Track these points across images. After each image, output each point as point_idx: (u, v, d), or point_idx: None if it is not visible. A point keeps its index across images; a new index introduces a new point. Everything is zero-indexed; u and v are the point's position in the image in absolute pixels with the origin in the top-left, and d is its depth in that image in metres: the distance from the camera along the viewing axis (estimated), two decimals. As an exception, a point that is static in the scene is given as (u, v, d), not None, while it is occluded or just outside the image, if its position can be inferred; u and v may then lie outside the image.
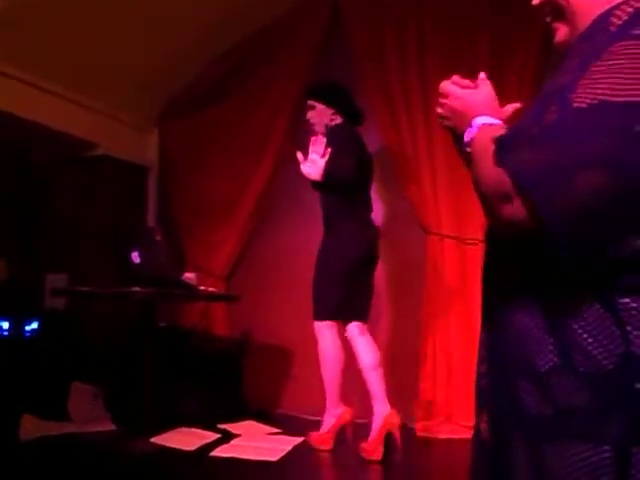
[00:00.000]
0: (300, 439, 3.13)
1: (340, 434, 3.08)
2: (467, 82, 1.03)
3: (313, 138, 2.99)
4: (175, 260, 3.38)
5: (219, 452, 2.87)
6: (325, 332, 3.05)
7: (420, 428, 3.45)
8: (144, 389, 3.13)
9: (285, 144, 4.12)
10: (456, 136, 1.01)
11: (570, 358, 0.82)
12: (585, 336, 0.81)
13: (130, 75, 4.01)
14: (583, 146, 0.75)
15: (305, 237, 3.37)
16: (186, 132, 4.43)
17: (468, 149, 0.94)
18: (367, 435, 2.96)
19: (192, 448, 2.92)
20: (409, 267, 3.80)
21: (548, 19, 1.00)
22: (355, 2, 3.95)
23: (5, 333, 3.63)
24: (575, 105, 0.77)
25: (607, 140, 0.75)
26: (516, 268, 0.91)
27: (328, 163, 2.93)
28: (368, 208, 3.18)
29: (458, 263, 3.57)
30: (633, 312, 0.79)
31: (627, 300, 0.79)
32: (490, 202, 0.83)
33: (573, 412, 0.81)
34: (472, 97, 1.00)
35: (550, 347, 0.84)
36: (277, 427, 3.42)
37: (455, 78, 1.04)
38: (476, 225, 3.41)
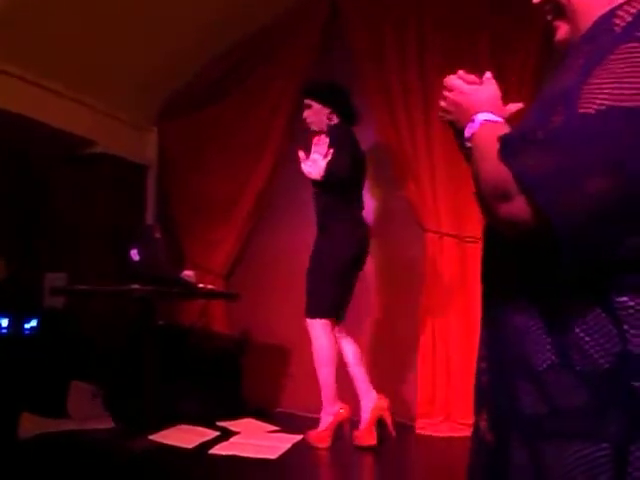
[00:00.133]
0: (299, 437, 3.13)
1: (338, 431, 3.09)
2: (473, 77, 1.03)
3: (316, 138, 3.02)
4: (174, 258, 3.39)
5: (218, 450, 2.88)
6: (321, 330, 3.06)
7: (419, 426, 3.46)
8: (143, 387, 3.13)
9: (284, 143, 4.13)
10: (457, 131, 1.02)
11: (567, 357, 0.82)
12: (582, 335, 0.81)
13: (130, 74, 4.02)
14: (589, 150, 0.75)
15: (304, 236, 3.37)
16: (185, 131, 4.44)
17: (468, 144, 0.94)
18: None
19: (191, 446, 2.92)
20: (408, 266, 3.81)
21: (549, 17, 1.00)
22: (355, 2, 3.95)
23: (4, 331, 3.64)
24: (582, 110, 0.77)
25: (614, 145, 0.75)
26: (514, 267, 0.91)
27: (329, 164, 2.96)
28: (360, 207, 3.24)
29: (457, 261, 3.57)
30: (630, 311, 0.79)
31: (624, 299, 0.80)
32: (487, 200, 0.84)
33: (571, 411, 0.81)
34: (476, 93, 1.00)
35: (548, 346, 0.84)
36: (276, 425, 3.42)
37: (461, 73, 1.04)
38: (475, 223, 3.41)
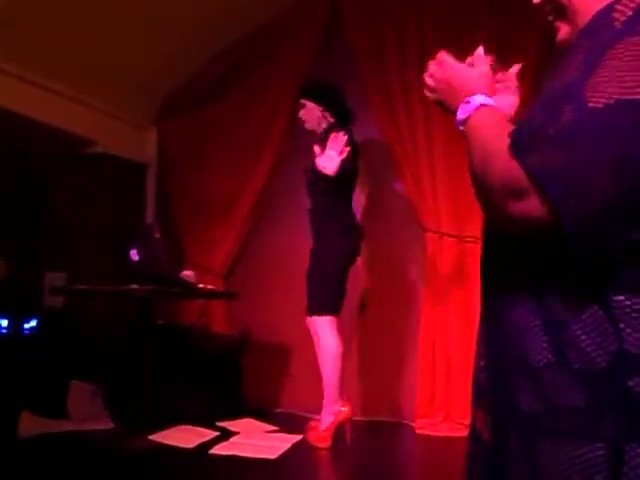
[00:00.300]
0: (299, 437, 3.14)
1: (339, 432, 3.09)
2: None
3: (333, 134, 3.04)
4: (174, 258, 3.39)
5: (218, 450, 2.88)
6: (327, 328, 3.07)
7: (419, 426, 3.46)
8: (143, 387, 3.13)
9: (284, 143, 4.14)
10: (445, 109, 1.00)
11: (564, 355, 0.82)
12: (579, 333, 0.81)
13: (129, 73, 4.02)
14: (600, 145, 0.75)
15: (304, 235, 3.37)
16: (185, 130, 4.43)
17: (461, 127, 0.93)
18: (366, 432, 2.98)
19: (191, 446, 2.93)
20: (408, 266, 3.81)
21: (550, 18, 1.00)
22: (355, 2, 3.95)
23: (4, 331, 3.64)
24: (590, 105, 0.76)
25: (623, 139, 0.75)
26: (514, 263, 0.91)
27: (344, 161, 3.00)
28: (352, 207, 3.32)
29: (457, 261, 3.57)
30: (627, 310, 0.79)
31: (621, 298, 0.80)
32: (497, 197, 0.83)
33: (566, 409, 0.81)
34: (468, 71, 0.99)
35: (545, 344, 0.84)
36: (276, 425, 3.42)
37: (443, 54, 1.04)
38: (475, 223, 3.41)
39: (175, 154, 4.49)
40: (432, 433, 3.40)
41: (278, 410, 3.93)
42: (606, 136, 0.75)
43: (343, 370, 3.12)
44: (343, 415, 3.08)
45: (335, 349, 3.08)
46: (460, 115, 0.94)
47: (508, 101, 1.15)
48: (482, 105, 0.92)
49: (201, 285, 3.62)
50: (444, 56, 1.01)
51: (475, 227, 3.42)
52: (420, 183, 3.67)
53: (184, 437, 3.05)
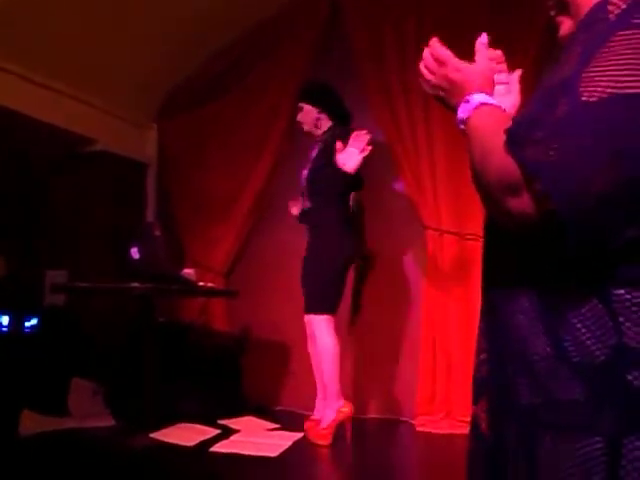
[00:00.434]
0: (299, 435, 3.14)
1: (339, 430, 3.10)
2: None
3: (356, 132, 3.04)
4: (174, 256, 3.40)
5: (219, 448, 2.89)
6: (325, 328, 3.08)
7: (420, 423, 3.47)
8: (144, 385, 3.14)
9: (283, 142, 4.14)
10: (446, 105, 1.01)
11: (564, 349, 0.82)
12: (579, 326, 0.81)
13: (129, 72, 4.02)
14: (594, 139, 0.75)
15: (304, 235, 3.38)
16: (185, 128, 4.44)
17: (462, 126, 0.93)
18: (366, 430, 2.98)
19: (192, 444, 2.94)
20: (408, 263, 3.82)
21: (552, 13, 1.00)
22: (355, 2, 3.96)
23: (5, 329, 3.64)
24: (584, 98, 0.77)
25: (617, 132, 0.75)
26: (514, 258, 0.91)
27: (364, 159, 3.01)
28: (349, 209, 3.35)
29: (458, 259, 3.58)
30: (627, 304, 0.79)
31: (621, 291, 0.80)
32: (495, 193, 0.83)
33: (565, 403, 0.81)
34: (470, 69, 0.99)
35: (544, 337, 0.84)
36: (276, 423, 3.43)
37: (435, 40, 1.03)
38: (476, 221, 3.42)
39: (175, 153, 4.49)
40: (433, 430, 3.41)
41: (279, 408, 3.94)
42: (600, 130, 0.76)
43: (343, 368, 3.13)
44: (344, 413, 3.10)
45: (332, 348, 3.09)
46: (460, 114, 0.94)
47: (510, 102, 1.15)
48: (482, 104, 0.92)
49: (201, 283, 3.63)
50: (445, 52, 1.02)
51: (476, 224, 3.43)
52: (420, 181, 3.68)
53: (185, 435, 3.06)
